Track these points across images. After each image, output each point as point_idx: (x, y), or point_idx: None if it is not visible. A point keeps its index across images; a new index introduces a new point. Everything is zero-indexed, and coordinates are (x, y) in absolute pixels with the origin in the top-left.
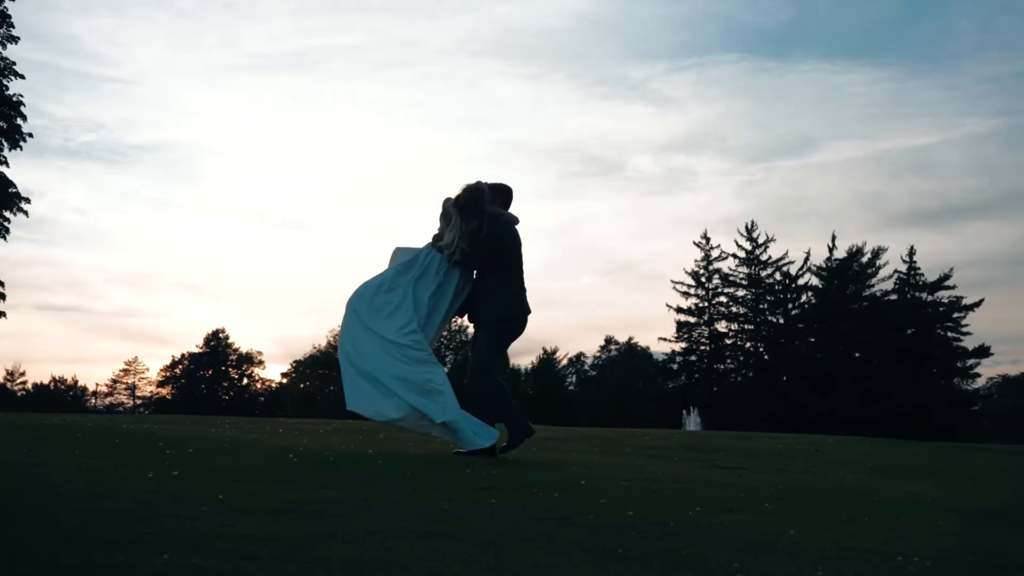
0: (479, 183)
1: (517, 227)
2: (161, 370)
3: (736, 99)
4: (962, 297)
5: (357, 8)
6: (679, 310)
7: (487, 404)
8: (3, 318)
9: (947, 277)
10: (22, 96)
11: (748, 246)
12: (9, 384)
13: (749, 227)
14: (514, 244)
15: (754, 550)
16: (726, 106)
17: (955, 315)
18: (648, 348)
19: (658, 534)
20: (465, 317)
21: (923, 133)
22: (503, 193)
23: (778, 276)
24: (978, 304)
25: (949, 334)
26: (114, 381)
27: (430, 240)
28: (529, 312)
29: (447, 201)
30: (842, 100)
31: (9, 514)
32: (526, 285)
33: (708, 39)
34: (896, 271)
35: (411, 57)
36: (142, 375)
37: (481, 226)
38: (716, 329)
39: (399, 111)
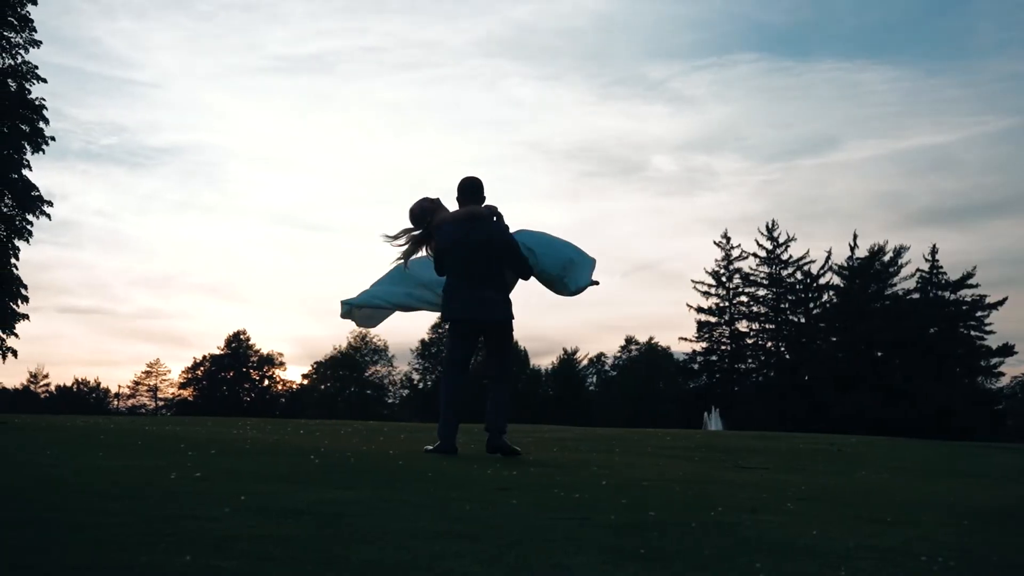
0: (420, 201)
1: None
2: (183, 372)
3: (755, 98)
4: (985, 295)
5: (375, 10)
6: (700, 310)
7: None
8: (26, 320)
9: (970, 276)
10: (44, 100)
11: (769, 245)
12: (32, 386)
13: (770, 226)
14: (442, 249)
15: (776, 550)
16: (745, 105)
17: (978, 314)
18: (669, 348)
19: (679, 534)
20: None
21: (943, 131)
22: (464, 189)
23: (799, 275)
24: (1001, 303)
25: (972, 333)
26: (136, 383)
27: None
28: (459, 315)
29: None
30: (862, 99)
31: (31, 515)
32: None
33: (726, 38)
34: (918, 270)
35: (429, 58)
36: (164, 377)
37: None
38: (737, 329)
39: (417, 112)
